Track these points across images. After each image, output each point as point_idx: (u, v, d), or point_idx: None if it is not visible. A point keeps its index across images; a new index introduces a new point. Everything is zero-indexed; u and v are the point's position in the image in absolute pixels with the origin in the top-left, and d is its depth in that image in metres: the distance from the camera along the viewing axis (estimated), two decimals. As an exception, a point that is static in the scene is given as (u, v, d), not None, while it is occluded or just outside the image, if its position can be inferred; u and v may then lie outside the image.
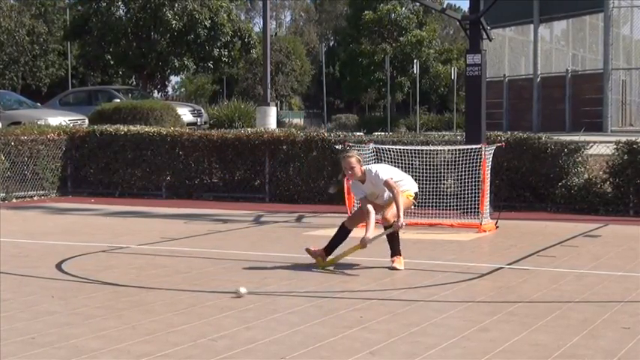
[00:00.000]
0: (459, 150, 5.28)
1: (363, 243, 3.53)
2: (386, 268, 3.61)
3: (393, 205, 3.52)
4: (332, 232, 4.13)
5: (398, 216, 3.48)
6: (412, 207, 3.77)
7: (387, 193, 3.56)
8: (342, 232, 3.63)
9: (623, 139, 5.84)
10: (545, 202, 5.84)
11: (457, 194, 5.24)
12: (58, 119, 9.07)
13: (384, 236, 3.58)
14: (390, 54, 22.53)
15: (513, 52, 16.76)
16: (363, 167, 3.56)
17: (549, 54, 16.27)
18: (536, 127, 13.97)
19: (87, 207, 6.25)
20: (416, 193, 3.67)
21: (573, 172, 5.82)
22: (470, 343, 2.41)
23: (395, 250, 3.58)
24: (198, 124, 10.89)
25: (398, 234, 3.57)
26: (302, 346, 2.36)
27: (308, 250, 3.62)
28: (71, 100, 11.84)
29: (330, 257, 3.60)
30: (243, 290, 3.02)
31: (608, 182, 5.74)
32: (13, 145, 6.63)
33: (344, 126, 19.98)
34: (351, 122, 21.89)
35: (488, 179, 4.98)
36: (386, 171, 3.59)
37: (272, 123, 9.62)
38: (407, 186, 3.63)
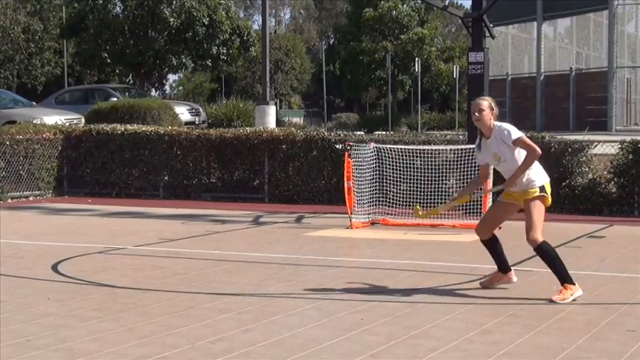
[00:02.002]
0: (461, 149, 5.24)
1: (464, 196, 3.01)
2: (385, 269, 3.57)
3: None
4: (332, 232, 4.08)
5: (517, 176, 2.81)
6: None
7: (515, 164, 2.86)
8: (492, 244, 3.03)
9: (628, 138, 5.79)
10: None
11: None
12: (53, 118, 8.98)
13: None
14: (391, 52, 22.42)
15: (516, 50, 16.67)
16: (494, 122, 2.90)
17: (553, 52, 16.19)
18: (540, 126, 13.92)
19: (83, 207, 6.22)
20: (541, 188, 2.89)
21: (577, 172, 5.78)
22: (472, 346, 2.38)
23: (562, 277, 2.87)
24: (197, 123, 10.79)
25: (555, 259, 2.89)
26: (301, 348, 2.33)
27: (486, 285, 2.98)
28: (67, 98, 11.75)
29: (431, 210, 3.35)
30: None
31: (612, 182, 5.69)
32: (8, 145, 6.59)
33: (344, 125, 19.94)
34: (351, 121, 21.87)
35: (491, 179, 4.92)
36: (518, 130, 2.89)
37: (271, 122, 9.52)
38: (534, 179, 2.87)
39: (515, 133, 2.96)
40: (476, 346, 2.38)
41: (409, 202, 5.15)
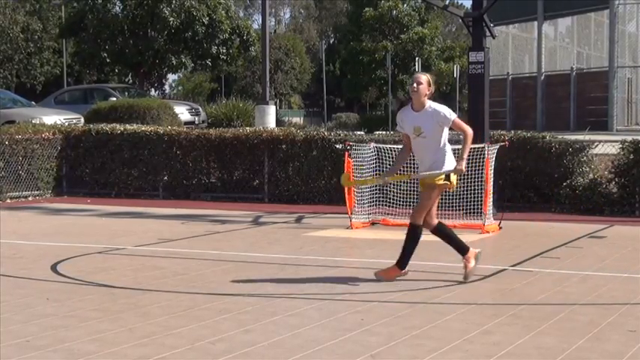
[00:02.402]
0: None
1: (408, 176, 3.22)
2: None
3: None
4: (332, 232, 4.07)
5: (462, 158, 3.04)
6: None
7: (433, 144, 3.08)
8: (440, 232, 3.20)
9: (629, 138, 5.78)
10: (550, 203, 5.78)
11: (459, 194, 5.16)
12: (53, 118, 8.97)
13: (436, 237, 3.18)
14: (391, 51, 22.37)
15: (517, 50, 16.66)
16: (428, 101, 3.09)
17: (554, 52, 16.19)
18: (541, 126, 13.91)
19: (82, 207, 6.21)
20: (448, 177, 3.11)
21: (578, 172, 5.76)
22: (472, 347, 2.37)
23: (460, 249, 3.12)
24: (196, 123, 10.77)
25: (449, 232, 3.14)
26: (301, 349, 2.33)
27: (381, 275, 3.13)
28: (66, 98, 11.73)
29: (359, 179, 3.41)
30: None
31: (613, 182, 5.68)
32: (7, 145, 6.58)
33: (344, 125, 19.85)
34: (351, 121, 21.77)
35: (492, 179, 4.92)
36: (453, 113, 3.09)
37: (271, 122, 9.46)
38: (445, 165, 3.08)
39: (452, 114, 3.16)
40: (476, 346, 2.37)
41: (410, 202, 5.14)
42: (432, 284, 3.27)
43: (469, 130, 3.17)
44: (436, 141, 3.15)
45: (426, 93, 3.16)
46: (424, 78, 3.19)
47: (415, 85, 3.17)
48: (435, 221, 3.26)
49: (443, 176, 3.17)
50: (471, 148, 5.03)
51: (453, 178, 3.19)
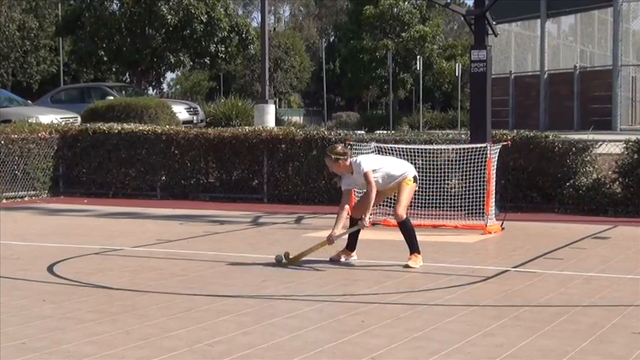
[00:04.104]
0: (464, 149, 5.19)
1: (330, 239, 3.59)
2: (387, 270, 3.54)
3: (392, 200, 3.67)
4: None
5: (365, 212, 3.58)
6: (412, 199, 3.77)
7: (383, 179, 3.61)
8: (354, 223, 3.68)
9: (633, 137, 5.74)
10: (553, 203, 5.74)
11: (462, 195, 5.15)
12: (49, 117, 8.90)
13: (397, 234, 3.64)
14: (392, 50, 22.22)
15: (520, 48, 16.61)
16: (350, 160, 3.61)
17: (557, 50, 16.15)
18: (544, 126, 13.87)
19: (79, 208, 6.17)
20: (415, 177, 3.68)
21: (581, 172, 5.72)
22: (475, 349, 2.35)
23: (411, 247, 3.58)
24: (195, 122, 10.69)
25: (409, 230, 3.56)
26: (301, 351, 2.31)
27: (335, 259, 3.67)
28: (63, 97, 11.64)
29: (295, 254, 3.63)
30: (282, 258, 3.15)
31: (617, 182, 5.64)
32: (3, 144, 6.53)
33: (345, 124, 19.85)
34: (352, 120, 21.76)
35: (494, 179, 4.88)
36: (369, 162, 3.61)
37: (270, 121, 9.44)
38: (403, 172, 3.65)
39: (364, 166, 3.59)
40: (478, 348, 2.35)
41: (411, 202, 5.09)
42: (433, 285, 3.24)
43: (372, 186, 3.56)
44: (380, 177, 3.61)
45: (343, 165, 3.60)
46: (328, 161, 3.63)
47: (333, 170, 3.68)
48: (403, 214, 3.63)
49: (411, 179, 3.64)
50: (473, 148, 5.12)
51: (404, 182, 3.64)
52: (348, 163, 3.58)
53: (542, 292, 3.10)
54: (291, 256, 3.60)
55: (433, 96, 27.25)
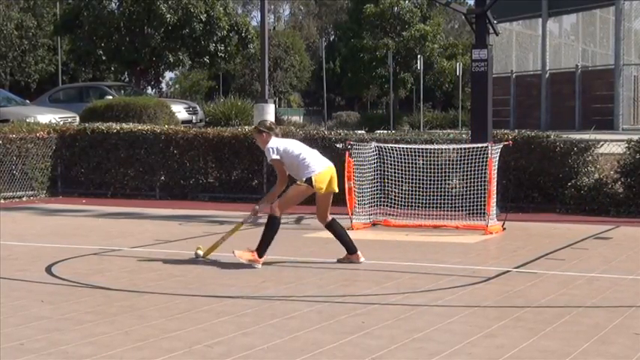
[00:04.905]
0: (465, 149, 5.17)
1: (254, 210, 3.63)
2: (387, 271, 3.53)
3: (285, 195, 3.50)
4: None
5: (267, 202, 3.54)
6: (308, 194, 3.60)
7: (291, 171, 3.53)
8: (333, 230, 3.67)
9: (635, 137, 5.73)
10: (554, 203, 5.72)
11: (462, 195, 5.13)
12: (47, 117, 8.89)
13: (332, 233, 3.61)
14: (392, 49, 22.24)
15: (521, 47, 16.57)
16: (270, 139, 3.55)
17: (558, 49, 16.11)
18: (545, 125, 13.85)
19: (78, 208, 6.15)
20: (308, 180, 3.49)
21: (583, 172, 5.70)
22: (476, 350, 2.33)
23: (260, 245, 3.50)
24: (194, 121, 10.67)
25: (272, 230, 3.48)
26: (301, 352, 2.30)
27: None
28: (61, 96, 11.61)
29: (213, 244, 3.64)
30: (200, 252, 3.14)
31: (619, 182, 5.62)
32: (1, 144, 6.51)
33: (345, 124, 19.87)
34: (352, 120, 21.79)
35: (495, 179, 4.86)
36: (277, 150, 3.51)
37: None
38: (306, 171, 3.52)
39: (269, 154, 3.57)
40: (479, 349, 2.34)
41: (411, 202, 5.09)
42: (434, 286, 3.23)
43: (278, 184, 3.56)
44: (288, 169, 3.56)
45: (265, 139, 3.58)
46: (255, 133, 3.66)
47: (257, 142, 3.67)
48: (327, 218, 3.62)
49: (304, 179, 3.54)
50: (474, 148, 5.06)
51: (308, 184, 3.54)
52: (267, 140, 3.51)
53: (544, 293, 3.08)
54: (204, 250, 3.63)
55: (434, 95, 27.22)
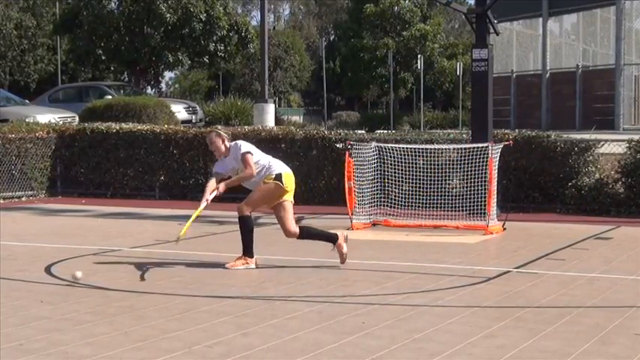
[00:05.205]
0: (465, 149, 5.17)
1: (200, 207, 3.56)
2: (387, 271, 3.52)
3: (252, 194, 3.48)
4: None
5: (225, 185, 3.50)
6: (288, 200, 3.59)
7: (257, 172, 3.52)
8: (305, 234, 3.63)
9: (636, 137, 5.72)
10: (555, 203, 5.71)
11: (463, 195, 5.12)
12: (47, 116, 8.88)
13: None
14: (392, 49, 22.20)
15: (521, 47, 16.56)
16: (229, 143, 3.59)
17: (559, 49, 16.09)
18: (545, 125, 13.81)
19: (77, 208, 6.15)
20: (277, 175, 3.52)
21: (584, 172, 5.69)
22: (476, 350, 2.33)
23: (245, 249, 3.52)
24: (194, 121, 10.65)
25: (248, 229, 3.49)
26: (301, 353, 2.29)
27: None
28: (61, 96, 11.59)
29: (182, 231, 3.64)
30: (78, 274, 3.10)
31: (620, 182, 5.61)
32: (0, 144, 6.50)
33: (345, 124, 19.84)
34: (352, 120, 21.73)
35: (495, 179, 4.86)
36: (248, 146, 3.57)
37: (270, 120, 9.36)
38: (272, 169, 3.56)
39: (244, 147, 3.56)
40: (480, 350, 2.33)
41: (411, 202, 5.08)
42: (434, 286, 3.22)
43: (248, 171, 3.52)
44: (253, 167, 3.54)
45: (220, 146, 3.58)
46: (212, 135, 3.61)
47: (212, 145, 3.61)
48: (296, 229, 3.56)
49: (273, 176, 3.53)
50: (474, 148, 5.04)
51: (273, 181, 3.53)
52: (227, 145, 3.54)
53: (544, 293, 3.07)
54: (180, 235, 3.63)
55: (434, 95, 27.20)
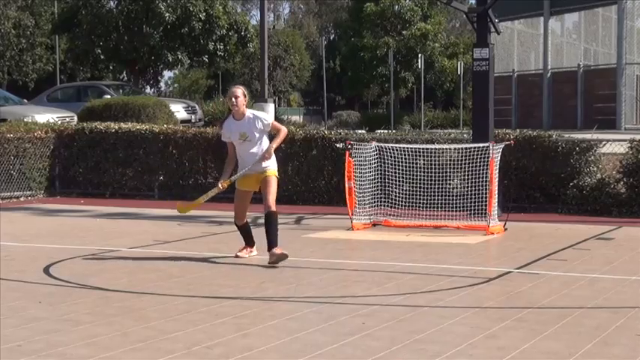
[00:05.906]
0: (466, 149, 5.15)
1: (222, 185, 3.71)
2: (388, 271, 3.51)
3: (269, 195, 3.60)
4: (332, 234, 4.00)
5: (270, 153, 3.62)
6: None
7: (257, 146, 3.63)
8: (244, 227, 3.79)
9: (638, 137, 5.70)
10: (556, 203, 5.69)
11: (464, 195, 5.10)
12: (45, 116, 8.83)
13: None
14: (393, 48, 22.11)
15: (523, 46, 16.54)
16: (247, 110, 3.68)
17: (560, 48, 16.08)
18: (547, 125, 13.83)
19: (76, 208, 6.13)
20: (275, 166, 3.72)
21: (585, 172, 5.67)
22: (477, 351, 2.32)
23: (275, 241, 3.61)
24: (193, 121, 10.59)
25: (272, 224, 3.58)
26: (301, 354, 2.28)
27: None
28: (59, 96, 11.52)
29: (194, 202, 3.81)
30: None
31: (621, 182, 5.59)
32: (-2, 144, 6.50)
33: (345, 123, 19.84)
34: (352, 119, 21.69)
35: (497, 179, 4.84)
36: (268, 115, 3.78)
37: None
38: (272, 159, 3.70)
39: (269, 119, 3.75)
40: (481, 351, 2.32)
41: (412, 202, 5.06)
42: (434, 287, 3.21)
43: (284, 129, 3.77)
44: (259, 141, 3.68)
45: (244, 104, 3.67)
46: (240, 92, 3.68)
47: (234, 99, 3.65)
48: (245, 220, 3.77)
49: (275, 170, 3.71)
50: (475, 147, 5.02)
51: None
52: (244, 108, 3.61)
53: (546, 294, 3.06)
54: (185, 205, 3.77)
55: (435, 95, 27.16)
